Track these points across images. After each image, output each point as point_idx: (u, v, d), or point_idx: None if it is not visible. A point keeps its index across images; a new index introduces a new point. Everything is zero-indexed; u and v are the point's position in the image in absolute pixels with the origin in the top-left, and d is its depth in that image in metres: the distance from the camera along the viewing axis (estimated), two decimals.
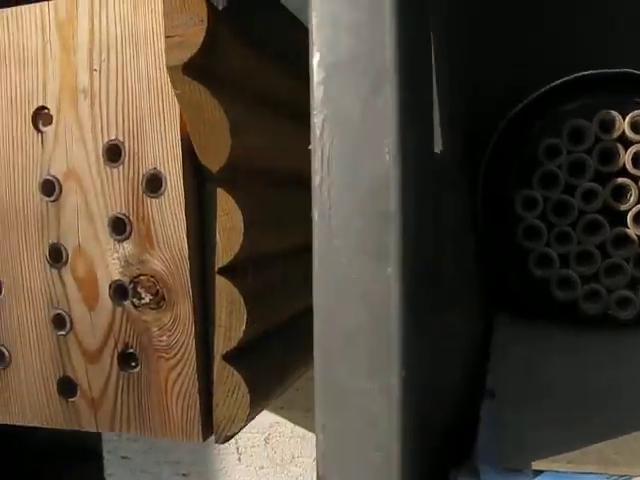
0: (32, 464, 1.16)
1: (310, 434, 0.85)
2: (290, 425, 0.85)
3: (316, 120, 0.44)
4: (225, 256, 0.58)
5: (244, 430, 0.88)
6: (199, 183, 0.58)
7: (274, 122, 0.67)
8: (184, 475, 0.91)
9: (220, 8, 0.51)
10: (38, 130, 0.61)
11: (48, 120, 0.61)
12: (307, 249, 0.45)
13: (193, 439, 0.59)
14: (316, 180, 0.44)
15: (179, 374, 0.58)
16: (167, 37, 0.54)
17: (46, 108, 0.61)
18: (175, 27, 0.53)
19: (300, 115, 0.48)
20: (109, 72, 0.58)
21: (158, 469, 0.92)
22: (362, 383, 0.43)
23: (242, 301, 0.57)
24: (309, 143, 0.44)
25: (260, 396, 0.60)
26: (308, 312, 0.46)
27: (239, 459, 0.88)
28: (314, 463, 0.86)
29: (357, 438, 0.44)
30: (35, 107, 0.61)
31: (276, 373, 0.66)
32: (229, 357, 0.59)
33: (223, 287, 0.58)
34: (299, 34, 0.52)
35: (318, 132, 0.44)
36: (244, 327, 0.58)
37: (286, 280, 0.68)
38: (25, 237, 0.62)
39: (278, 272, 0.67)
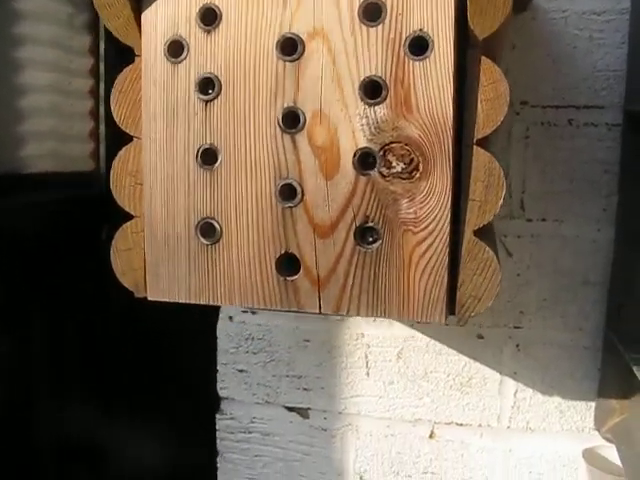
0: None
1: (446, 349, 0.83)
2: (426, 339, 0.83)
3: None
4: (486, 127, 0.55)
5: (375, 343, 0.86)
6: (461, 49, 0.55)
7: None
8: (305, 390, 0.87)
9: None
10: None
11: None
12: None
13: (435, 318, 0.57)
14: None
15: (427, 249, 0.55)
16: None
17: None
18: None
19: None
20: None
21: (277, 383, 0.88)
22: None
23: (501, 174, 0.55)
24: None
25: None
26: None
27: (367, 374, 0.85)
28: (447, 379, 0.85)
29: None
30: None
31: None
32: (480, 233, 0.56)
33: (481, 159, 0.55)
34: None
35: None
36: (501, 202, 0.55)
37: None
38: (253, 99, 0.57)
39: None
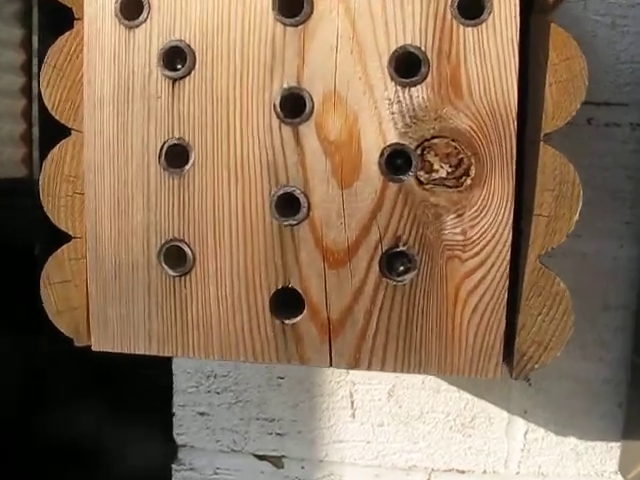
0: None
1: (445, 385, 0.65)
2: (421, 375, 0.65)
3: None
4: (558, 117, 0.38)
5: (362, 380, 0.67)
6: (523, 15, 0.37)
7: None
8: (279, 435, 0.68)
9: None
10: None
11: None
12: None
13: (488, 374, 0.39)
14: None
15: (479, 281, 0.38)
16: None
17: None
18: None
19: None
20: None
21: (245, 428, 0.68)
22: None
23: (577, 180, 0.38)
24: None
25: None
26: None
27: (353, 415, 0.67)
28: (447, 419, 0.68)
29: None
30: None
31: None
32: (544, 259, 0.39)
33: (550, 161, 0.38)
34: None
35: None
36: (576, 217, 0.38)
37: None
38: (240, 76, 0.38)
39: None
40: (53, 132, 0.44)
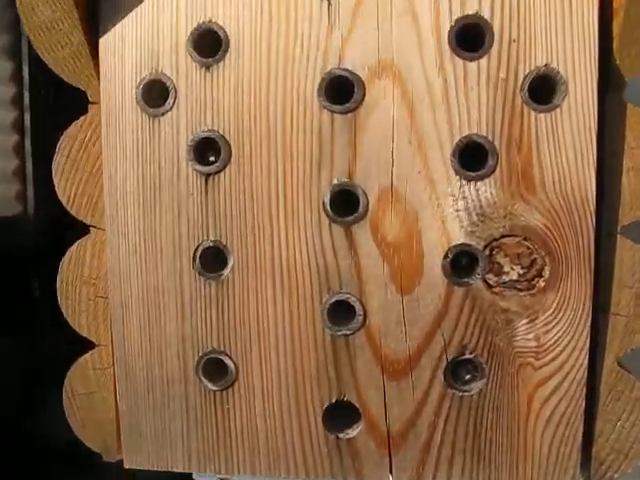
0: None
1: None
2: None
3: None
4: (637, 208, 0.33)
5: None
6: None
7: None
8: None
9: None
10: None
11: None
12: None
13: None
14: None
15: (554, 390, 0.34)
16: None
17: None
18: None
19: None
20: None
21: None
22: None
23: None
24: None
25: None
26: None
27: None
28: None
29: None
30: None
31: None
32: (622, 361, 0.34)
33: (628, 255, 0.33)
34: None
35: None
36: None
37: None
38: (283, 171, 0.33)
39: None
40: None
